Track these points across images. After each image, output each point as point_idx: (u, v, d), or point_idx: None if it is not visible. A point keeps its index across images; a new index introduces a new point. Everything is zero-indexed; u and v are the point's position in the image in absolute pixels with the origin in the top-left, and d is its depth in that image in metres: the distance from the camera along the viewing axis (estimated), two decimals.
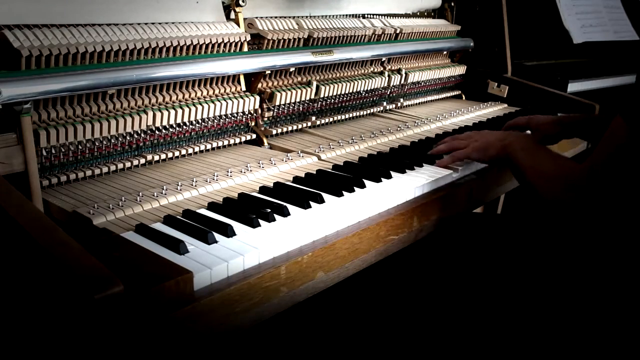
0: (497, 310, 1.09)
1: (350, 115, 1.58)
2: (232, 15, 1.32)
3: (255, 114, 1.33)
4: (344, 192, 1.01)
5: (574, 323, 1.01)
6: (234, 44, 1.28)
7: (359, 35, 1.58)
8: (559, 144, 1.41)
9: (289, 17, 1.44)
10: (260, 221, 0.88)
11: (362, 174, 1.09)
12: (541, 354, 1.00)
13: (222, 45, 1.26)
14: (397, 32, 1.71)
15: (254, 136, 1.34)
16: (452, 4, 2.00)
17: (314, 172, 1.12)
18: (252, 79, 1.33)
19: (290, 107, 1.41)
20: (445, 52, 1.94)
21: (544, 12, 2.15)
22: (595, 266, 1.08)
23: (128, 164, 1.12)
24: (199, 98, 1.24)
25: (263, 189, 1.03)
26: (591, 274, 1.08)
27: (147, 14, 1.18)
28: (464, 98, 1.99)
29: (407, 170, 1.15)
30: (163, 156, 1.17)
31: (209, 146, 1.25)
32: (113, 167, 1.10)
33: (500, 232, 1.32)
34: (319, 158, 1.24)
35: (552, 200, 1.03)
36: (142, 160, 1.14)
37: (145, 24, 1.14)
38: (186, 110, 1.18)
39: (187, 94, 1.22)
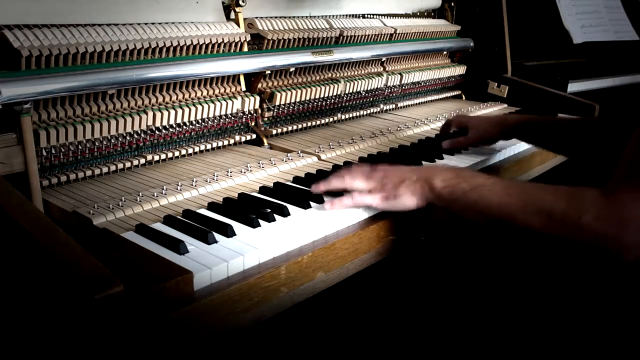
0: (498, 309, 1.09)
1: (351, 115, 1.58)
2: (232, 16, 1.32)
3: (255, 114, 1.33)
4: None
5: (575, 323, 1.01)
6: (234, 44, 1.28)
7: (358, 36, 1.58)
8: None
9: (289, 17, 1.44)
10: (260, 221, 0.88)
11: None
12: (541, 354, 1.00)
13: (222, 45, 1.26)
14: (397, 32, 1.71)
15: (254, 136, 1.34)
16: (452, 4, 2.00)
17: (314, 172, 1.12)
18: (252, 79, 1.33)
19: (290, 107, 1.41)
20: (445, 52, 1.94)
21: (544, 12, 2.15)
22: (594, 266, 1.08)
23: (128, 164, 1.12)
24: (199, 98, 1.24)
25: (263, 189, 1.03)
26: (588, 274, 1.08)
27: (147, 14, 1.18)
28: (464, 98, 1.99)
29: None
30: (163, 156, 1.17)
31: (209, 146, 1.25)
32: (113, 167, 1.10)
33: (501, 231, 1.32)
34: (319, 158, 1.24)
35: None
36: (142, 160, 1.14)
37: (145, 24, 1.14)
38: (186, 110, 1.18)
39: (187, 94, 1.22)
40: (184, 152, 1.21)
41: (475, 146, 1.31)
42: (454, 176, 0.89)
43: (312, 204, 0.96)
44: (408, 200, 0.91)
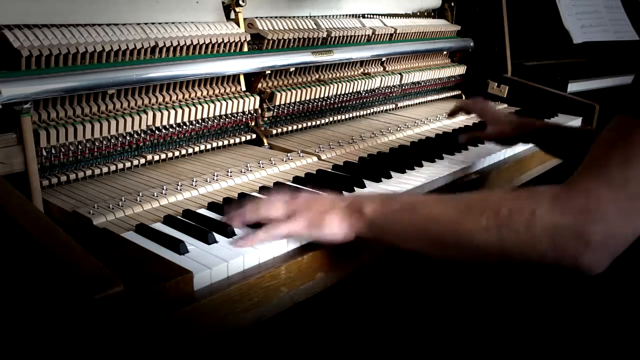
0: (498, 309, 1.09)
1: (351, 115, 1.58)
2: (232, 15, 1.32)
3: (255, 114, 1.33)
4: (343, 192, 1.01)
5: (575, 324, 1.01)
6: (233, 44, 1.28)
7: (358, 35, 1.58)
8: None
9: (289, 17, 1.44)
10: None
11: (362, 174, 1.09)
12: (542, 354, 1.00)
13: (222, 45, 1.26)
14: (397, 32, 1.71)
15: (254, 136, 1.34)
16: (452, 4, 2.00)
17: (314, 172, 1.12)
18: (252, 79, 1.33)
19: (290, 107, 1.41)
20: (445, 52, 1.94)
21: (544, 12, 2.15)
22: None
23: (128, 164, 1.12)
24: (199, 98, 1.24)
25: (263, 189, 1.03)
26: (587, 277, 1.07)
27: (147, 14, 1.18)
28: (464, 98, 1.99)
29: (406, 170, 1.15)
30: (163, 156, 1.17)
31: (209, 146, 1.25)
32: (113, 167, 1.10)
33: None
34: (319, 158, 1.24)
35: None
36: (142, 160, 1.14)
37: (145, 24, 1.14)
38: (186, 110, 1.18)
39: (187, 94, 1.22)
40: (184, 152, 1.21)
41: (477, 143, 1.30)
42: (383, 199, 0.80)
43: None
44: (335, 228, 0.80)
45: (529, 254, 0.68)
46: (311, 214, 0.81)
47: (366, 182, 1.06)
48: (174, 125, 1.18)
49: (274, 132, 1.37)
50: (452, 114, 1.39)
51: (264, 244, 0.81)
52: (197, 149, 1.23)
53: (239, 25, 1.30)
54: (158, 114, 1.14)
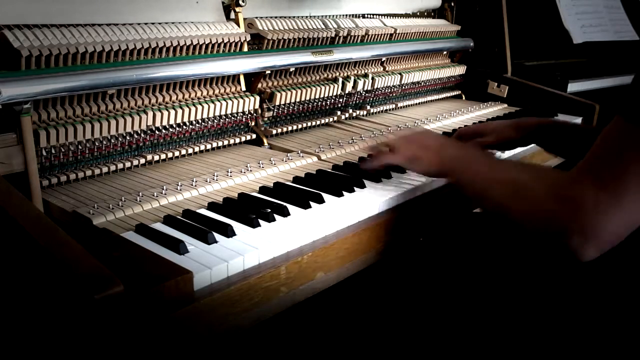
0: (498, 310, 1.09)
1: (351, 115, 1.58)
2: (232, 15, 1.32)
3: (255, 114, 1.33)
4: (343, 192, 1.01)
5: (577, 325, 1.01)
6: (233, 44, 1.28)
7: (359, 35, 1.58)
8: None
9: (289, 17, 1.44)
10: (260, 221, 0.88)
11: (362, 174, 1.09)
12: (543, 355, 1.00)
13: (222, 45, 1.26)
14: (397, 32, 1.71)
15: (254, 136, 1.34)
16: (452, 4, 2.00)
17: (314, 172, 1.12)
18: (252, 79, 1.33)
19: (290, 107, 1.41)
20: (445, 52, 1.94)
21: (544, 12, 2.15)
22: (594, 269, 1.08)
23: (128, 164, 1.12)
24: (199, 98, 1.24)
25: (263, 189, 1.03)
26: (593, 271, 1.07)
27: (147, 14, 1.18)
28: (464, 98, 1.99)
29: (407, 170, 1.15)
30: (163, 156, 1.17)
31: (209, 146, 1.25)
32: (113, 167, 1.10)
33: (501, 231, 1.32)
34: (319, 158, 1.24)
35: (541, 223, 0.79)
36: (142, 160, 1.14)
37: (145, 24, 1.14)
38: (186, 110, 1.18)
39: (187, 94, 1.22)
40: (184, 152, 1.21)
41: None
42: (463, 149, 0.99)
43: (312, 203, 0.96)
44: (424, 166, 0.99)
45: (533, 227, 0.81)
46: (407, 153, 1.01)
47: (366, 182, 1.06)
48: (174, 126, 1.18)
49: (274, 132, 1.37)
50: None
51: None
52: (197, 149, 1.23)
53: (239, 25, 1.30)
54: (158, 114, 1.14)
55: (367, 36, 1.61)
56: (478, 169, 0.92)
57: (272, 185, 1.05)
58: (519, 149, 1.35)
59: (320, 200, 0.97)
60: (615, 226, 0.73)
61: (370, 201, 0.99)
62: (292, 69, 1.42)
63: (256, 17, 1.36)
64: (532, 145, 1.34)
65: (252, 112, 1.32)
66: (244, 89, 1.33)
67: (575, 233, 0.74)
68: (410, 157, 1.01)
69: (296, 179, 1.09)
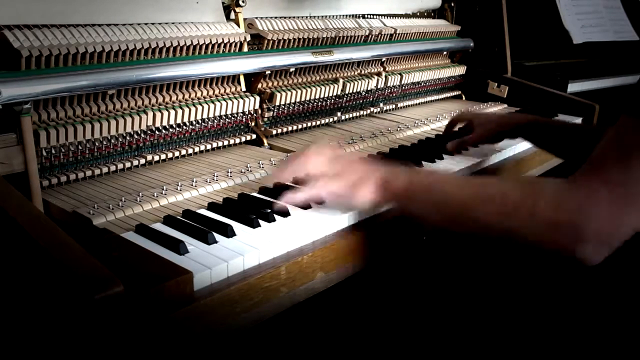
0: (499, 310, 1.09)
1: (350, 115, 1.58)
2: (232, 16, 1.32)
3: (255, 114, 1.33)
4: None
5: (577, 324, 1.00)
6: (234, 44, 1.28)
7: (358, 36, 1.58)
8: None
9: (289, 17, 1.44)
10: (260, 221, 0.88)
11: None
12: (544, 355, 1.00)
13: (222, 45, 1.26)
14: (397, 32, 1.71)
15: (254, 136, 1.33)
16: (452, 4, 2.00)
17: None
18: (252, 79, 1.33)
19: (290, 107, 1.41)
20: (445, 53, 1.94)
21: (544, 12, 2.15)
22: (594, 270, 1.08)
23: (128, 164, 1.12)
24: (199, 98, 1.24)
25: (263, 189, 1.03)
26: (589, 277, 1.07)
27: (147, 14, 1.18)
28: (464, 98, 1.99)
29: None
30: (163, 156, 1.17)
31: (209, 146, 1.25)
32: (113, 167, 1.10)
33: None
34: None
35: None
36: (142, 160, 1.14)
37: (145, 24, 1.14)
38: (186, 110, 1.18)
39: (187, 94, 1.22)
40: (184, 152, 1.21)
41: (475, 146, 1.31)
42: (411, 176, 0.87)
43: (311, 204, 0.96)
44: (367, 196, 0.86)
45: (530, 241, 0.74)
46: (351, 178, 0.86)
47: None
48: (174, 126, 1.18)
49: (274, 132, 1.37)
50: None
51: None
52: (197, 149, 1.23)
53: (239, 26, 1.30)
54: (158, 114, 1.14)
55: (367, 36, 1.61)
56: (444, 189, 0.82)
57: (272, 185, 1.05)
58: (521, 148, 1.35)
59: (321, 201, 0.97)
60: (630, 227, 0.70)
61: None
62: (292, 69, 1.42)
63: (256, 18, 1.36)
64: (531, 145, 1.34)
65: (252, 112, 1.32)
66: (244, 89, 1.33)
67: (591, 239, 0.69)
68: (349, 186, 0.86)
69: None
